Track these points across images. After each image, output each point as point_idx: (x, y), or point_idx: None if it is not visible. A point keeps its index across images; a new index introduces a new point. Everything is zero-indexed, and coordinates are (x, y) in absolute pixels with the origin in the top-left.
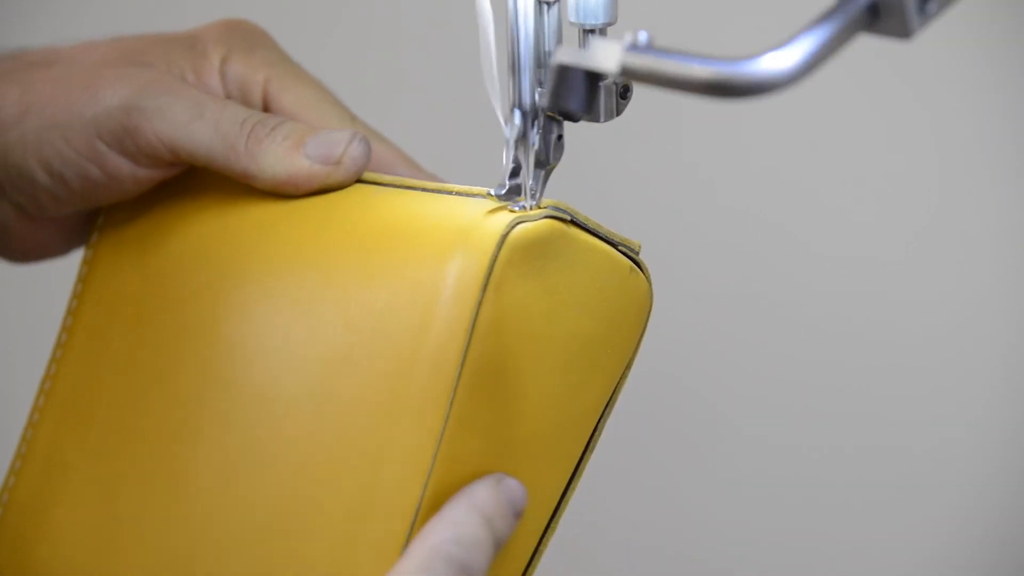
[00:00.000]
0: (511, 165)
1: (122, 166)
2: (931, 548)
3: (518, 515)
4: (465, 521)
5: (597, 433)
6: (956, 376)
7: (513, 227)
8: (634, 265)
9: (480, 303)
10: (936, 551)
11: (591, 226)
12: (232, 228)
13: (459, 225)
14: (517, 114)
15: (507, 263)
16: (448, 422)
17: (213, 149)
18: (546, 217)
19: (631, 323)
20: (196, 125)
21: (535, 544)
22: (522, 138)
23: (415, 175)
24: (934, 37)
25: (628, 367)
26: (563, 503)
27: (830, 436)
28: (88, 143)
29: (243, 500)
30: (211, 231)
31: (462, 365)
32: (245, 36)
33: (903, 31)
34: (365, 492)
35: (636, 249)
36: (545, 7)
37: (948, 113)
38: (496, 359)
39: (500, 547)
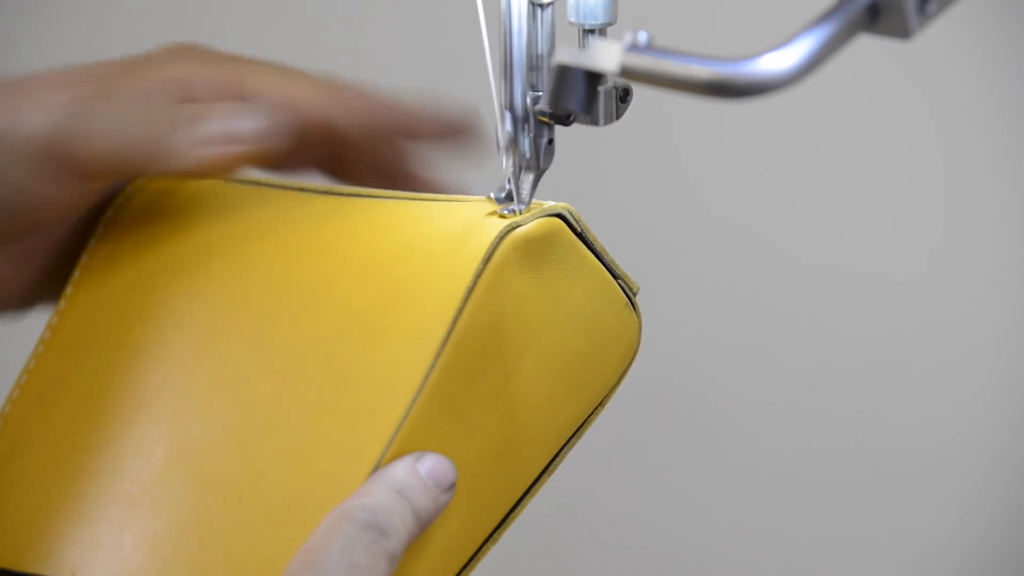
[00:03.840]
0: (511, 168)
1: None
2: (931, 548)
3: (444, 488)
4: (375, 491)
5: (559, 458)
6: (956, 378)
7: (518, 225)
8: (629, 303)
9: (479, 275)
10: (936, 551)
11: (597, 248)
12: (239, 233)
13: (461, 222)
14: (508, 117)
15: (511, 248)
16: (423, 391)
17: (135, 154)
18: (555, 215)
19: (618, 355)
20: (114, 138)
21: (477, 544)
22: (512, 144)
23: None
24: (934, 37)
25: (603, 404)
26: (512, 515)
27: (828, 438)
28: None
29: (196, 454)
30: (214, 236)
31: (448, 333)
32: (191, 51)
33: (903, 31)
34: (330, 458)
35: (635, 290)
36: (539, 9)
37: (948, 114)
38: (481, 340)
39: (424, 520)
